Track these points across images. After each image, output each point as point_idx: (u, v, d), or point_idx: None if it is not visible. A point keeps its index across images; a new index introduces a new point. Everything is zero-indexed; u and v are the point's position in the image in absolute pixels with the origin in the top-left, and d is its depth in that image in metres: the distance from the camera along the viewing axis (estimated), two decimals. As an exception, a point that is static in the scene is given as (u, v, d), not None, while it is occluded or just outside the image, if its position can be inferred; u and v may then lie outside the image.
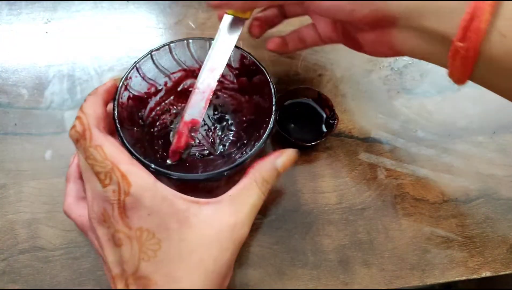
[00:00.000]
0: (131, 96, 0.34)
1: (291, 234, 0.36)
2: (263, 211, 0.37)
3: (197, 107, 0.33)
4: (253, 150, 0.31)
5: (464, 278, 0.35)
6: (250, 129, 0.37)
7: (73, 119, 0.40)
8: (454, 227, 0.37)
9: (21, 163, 0.38)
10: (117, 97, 0.32)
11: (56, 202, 0.37)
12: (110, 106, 0.32)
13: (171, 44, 0.35)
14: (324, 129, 0.39)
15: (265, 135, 0.31)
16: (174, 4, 0.47)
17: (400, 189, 0.38)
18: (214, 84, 0.33)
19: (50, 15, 0.46)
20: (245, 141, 0.36)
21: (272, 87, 0.34)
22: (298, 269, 0.35)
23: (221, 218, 0.27)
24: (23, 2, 0.46)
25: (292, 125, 0.39)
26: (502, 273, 0.35)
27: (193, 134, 0.34)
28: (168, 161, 0.34)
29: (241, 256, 0.35)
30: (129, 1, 0.47)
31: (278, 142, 0.40)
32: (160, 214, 0.26)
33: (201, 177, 0.30)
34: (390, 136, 0.40)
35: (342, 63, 0.43)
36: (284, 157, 0.30)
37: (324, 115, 0.40)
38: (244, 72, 0.37)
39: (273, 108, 0.33)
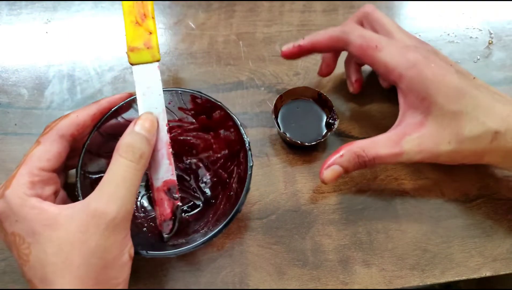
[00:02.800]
0: (92, 179, 0.32)
1: (291, 234, 0.36)
2: (263, 212, 0.37)
3: (162, 168, 0.30)
4: (241, 196, 0.30)
5: (464, 278, 0.35)
6: (228, 165, 0.35)
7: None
8: (454, 227, 0.37)
9: (21, 163, 0.38)
10: (78, 186, 0.30)
11: (56, 202, 0.37)
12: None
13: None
14: (324, 129, 0.39)
15: (247, 178, 0.30)
16: (174, 4, 0.47)
17: (400, 189, 0.38)
18: (167, 137, 0.30)
19: (50, 15, 0.46)
20: (227, 180, 0.35)
21: (236, 121, 0.32)
22: (298, 269, 0.35)
23: (85, 208, 0.26)
24: (23, 2, 0.46)
25: (293, 124, 0.39)
26: (502, 273, 0.35)
27: (174, 195, 0.31)
28: (164, 235, 0.31)
29: (241, 256, 0.35)
30: (129, 1, 0.47)
31: (278, 141, 0.40)
32: (27, 220, 0.26)
33: (200, 246, 0.29)
34: (390, 136, 0.40)
35: (342, 63, 0.43)
36: (141, 120, 0.29)
37: (324, 115, 0.40)
38: (201, 111, 0.35)
39: (246, 143, 0.31)
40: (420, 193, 0.38)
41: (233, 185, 0.34)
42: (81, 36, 0.45)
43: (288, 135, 0.38)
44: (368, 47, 0.34)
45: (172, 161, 0.30)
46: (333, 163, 0.34)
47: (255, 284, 0.34)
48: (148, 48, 0.30)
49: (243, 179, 0.31)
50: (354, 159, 0.33)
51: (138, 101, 0.30)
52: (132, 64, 0.30)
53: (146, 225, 0.34)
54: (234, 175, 0.34)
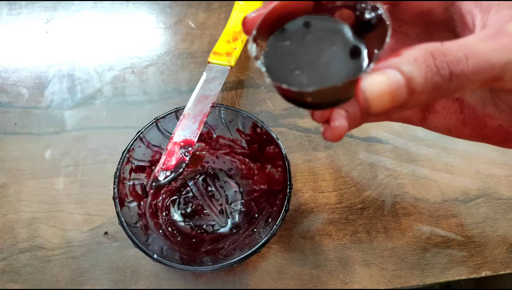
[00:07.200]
0: (134, 167, 0.33)
1: (291, 233, 0.36)
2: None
3: (189, 129, 0.32)
4: (266, 236, 0.29)
5: (463, 277, 0.35)
6: (262, 201, 0.35)
7: (73, 119, 0.41)
8: (453, 227, 0.37)
9: (21, 162, 0.38)
10: (118, 173, 0.31)
11: (55, 202, 0.37)
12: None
13: (178, 112, 0.34)
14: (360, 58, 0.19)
15: (279, 220, 0.30)
16: (174, 4, 0.47)
17: (400, 189, 0.38)
18: (207, 109, 0.32)
19: (50, 15, 0.46)
20: (256, 215, 0.35)
21: (286, 162, 0.32)
22: (298, 268, 0.35)
23: None
24: (23, 2, 0.46)
25: (294, 68, 0.19)
26: (501, 272, 0.35)
27: (186, 153, 0.31)
28: (154, 183, 0.30)
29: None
30: (129, 1, 0.47)
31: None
32: None
33: (206, 271, 0.29)
34: (390, 135, 0.40)
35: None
36: None
37: (347, 30, 0.20)
38: (256, 140, 0.35)
39: (288, 189, 0.31)
40: (420, 192, 0.38)
41: (260, 222, 0.34)
42: (81, 36, 0.45)
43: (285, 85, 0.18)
44: None
45: (201, 129, 0.32)
46: (387, 67, 0.17)
47: (255, 284, 0.34)
48: (228, 55, 0.37)
49: (273, 220, 0.31)
50: (427, 61, 0.17)
51: (198, 85, 0.34)
52: (209, 63, 0.36)
53: (164, 227, 0.35)
54: (264, 213, 0.34)
